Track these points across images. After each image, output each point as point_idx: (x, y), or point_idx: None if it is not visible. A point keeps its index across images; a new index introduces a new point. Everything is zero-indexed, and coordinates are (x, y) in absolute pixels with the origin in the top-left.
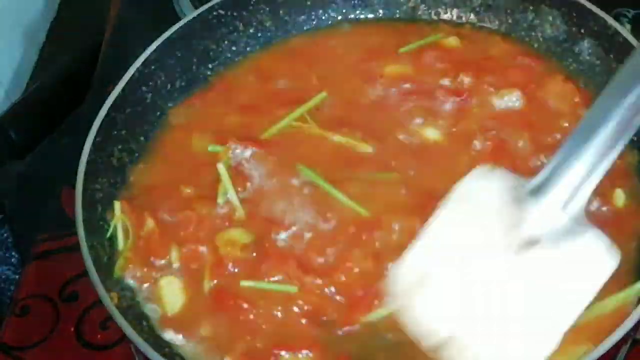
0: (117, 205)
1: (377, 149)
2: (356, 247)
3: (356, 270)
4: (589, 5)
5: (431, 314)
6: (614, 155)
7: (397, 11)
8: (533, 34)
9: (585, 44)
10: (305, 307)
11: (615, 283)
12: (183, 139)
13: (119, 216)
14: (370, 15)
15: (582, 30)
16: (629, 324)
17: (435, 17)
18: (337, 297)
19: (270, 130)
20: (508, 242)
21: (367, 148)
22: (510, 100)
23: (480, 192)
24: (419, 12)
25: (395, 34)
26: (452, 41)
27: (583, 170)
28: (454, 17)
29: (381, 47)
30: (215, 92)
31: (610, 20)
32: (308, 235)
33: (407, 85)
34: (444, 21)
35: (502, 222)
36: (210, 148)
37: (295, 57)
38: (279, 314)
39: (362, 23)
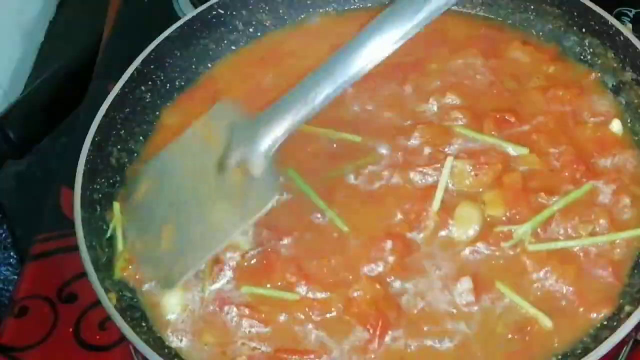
0: (117, 206)
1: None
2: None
3: (361, 292)
4: (590, 4)
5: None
6: (298, 121)
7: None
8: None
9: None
10: (311, 314)
11: None
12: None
13: (118, 217)
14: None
15: (584, 29)
16: (629, 324)
17: None
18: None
19: None
20: (218, 165)
21: (355, 138)
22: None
23: (212, 123)
24: None
25: None
26: None
27: (279, 130)
28: None
29: None
30: (215, 91)
31: (612, 20)
32: (310, 242)
33: None
34: None
35: (218, 150)
36: None
37: (295, 55)
38: (283, 319)
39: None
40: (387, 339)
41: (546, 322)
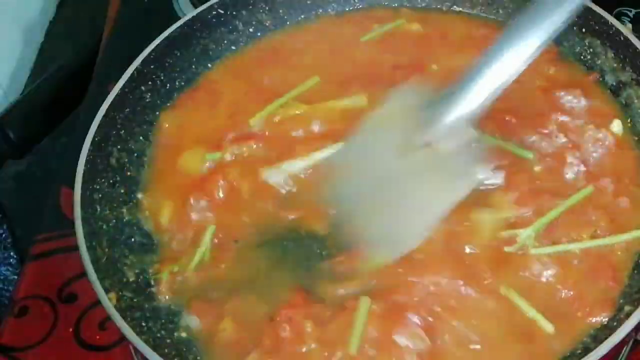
0: (211, 230)
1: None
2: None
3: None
4: (590, 4)
5: (344, 193)
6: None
7: None
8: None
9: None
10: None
11: None
12: (181, 138)
13: (208, 241)
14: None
15: (584, 29)
16: (629, 324)
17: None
18: None
19: (260, 113)
20: (411, 142)
21: (363, 100)
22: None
23: (399, 103)
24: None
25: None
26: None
27: (481, 92)
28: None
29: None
30: (214, 92)
31: (612, 20)
32: None
33: None
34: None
35: (410, 126)
36: (208, 156)
37: (293, 54)
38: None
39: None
40: None
41: (547, 326)
